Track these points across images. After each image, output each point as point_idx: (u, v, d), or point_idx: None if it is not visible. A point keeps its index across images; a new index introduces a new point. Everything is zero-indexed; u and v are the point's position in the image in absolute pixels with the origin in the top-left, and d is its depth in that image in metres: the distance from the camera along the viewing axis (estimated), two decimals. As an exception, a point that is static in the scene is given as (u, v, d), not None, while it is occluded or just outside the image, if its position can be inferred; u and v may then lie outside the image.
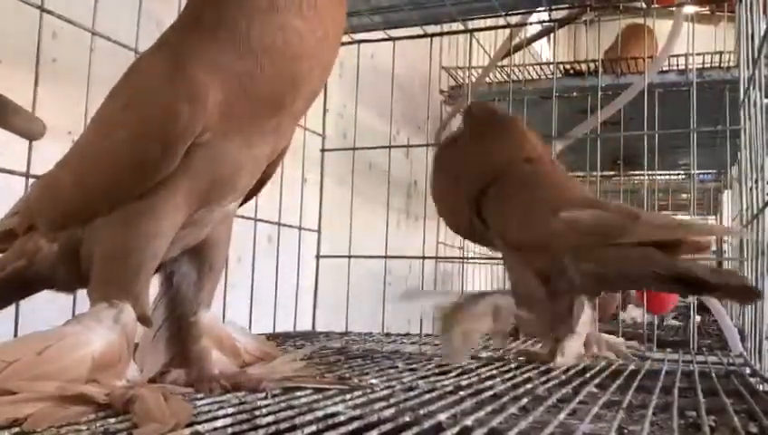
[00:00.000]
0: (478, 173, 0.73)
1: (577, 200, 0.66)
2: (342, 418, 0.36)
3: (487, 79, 1.50)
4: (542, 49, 2.66)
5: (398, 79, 1.19)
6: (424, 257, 1.24)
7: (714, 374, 0.59)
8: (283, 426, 0.34)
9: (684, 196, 2.39)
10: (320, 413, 0.37)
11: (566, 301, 0.65)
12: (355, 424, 0.35)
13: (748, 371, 0.62)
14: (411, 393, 0.45)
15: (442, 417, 0.37)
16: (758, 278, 0.75)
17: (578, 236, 0.61)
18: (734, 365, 0.68)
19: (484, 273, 1.88)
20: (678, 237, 0.59)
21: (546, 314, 0.64)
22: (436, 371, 0.57)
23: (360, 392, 0.44)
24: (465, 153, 0.76)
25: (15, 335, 0.59)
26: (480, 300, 0.63)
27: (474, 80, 1.47)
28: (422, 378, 0.52)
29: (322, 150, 1.11)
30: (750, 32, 0.86)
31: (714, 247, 2.24)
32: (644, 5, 1.37)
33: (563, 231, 0.62)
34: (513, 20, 1.09)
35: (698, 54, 1.30)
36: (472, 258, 1.59)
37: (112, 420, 0.34)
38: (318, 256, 1.07)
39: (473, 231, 0.74)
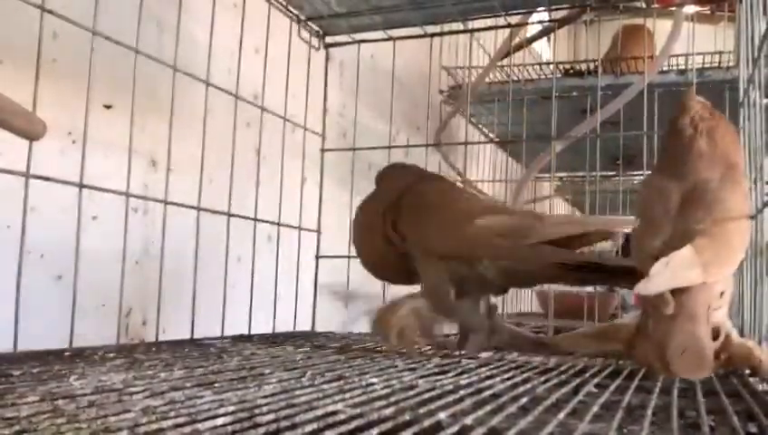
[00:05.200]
0: (391, 187, 0.80)
1: (487, 208, 0.74)
2: (342, 416, 0.36)
3: (487, 79, 1.50)
4: (542, 49, 2.66)
5: (398, 79, 1.19)
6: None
7: (713, 375, 0.59)
8: (283, 424, 0.34)
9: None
10: (320, 411, 0.37)
11: (475, 300, 0.73)
12: (355, 423, 0.35)
13: (748, 371, 0.62)
14: (411, 392, 0.45)
15: (442, 416, 0.37)
16: (758, 278, 0.75)
17: (493, 240, 0.68)
18: (733, 365, 0.68)
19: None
20: (577, 232, 0.68)
21: (457, 316, 0.72)
22: (436, 370, 0.57)
23: (359, 391, 0.44)
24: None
25: (16, 330, 0.60)
26: (402, 304, 0.70)
27: (474, 80, 1.47)
28: (422, 377, 0.52)
29: (322, 150, 1.12)
30: (750, 32, 0.86)
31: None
32: (644, 5, 1.38)
33: (480, 236, 0.69)
34: (513, 20, 1.09)
35: (698, 54, 1.30)
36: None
37: (112, 419, 0.34)
38: (318, 256, 1.07)
39: (387, 250, 0.77)
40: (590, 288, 1.59)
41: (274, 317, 0.96)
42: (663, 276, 0.53)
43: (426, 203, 0.77)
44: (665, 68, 1.38)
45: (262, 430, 0.33)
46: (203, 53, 0.85)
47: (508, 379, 0.53)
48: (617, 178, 2.00)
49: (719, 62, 1.36)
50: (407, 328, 0.70)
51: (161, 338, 0.78)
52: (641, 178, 1.65)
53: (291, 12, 1.04)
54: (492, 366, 0.61)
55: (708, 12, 1.64)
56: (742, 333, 0.79)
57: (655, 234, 0.61)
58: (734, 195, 0.62)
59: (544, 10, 1.08)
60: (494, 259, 0.69)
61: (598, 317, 1.14)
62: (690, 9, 1.46)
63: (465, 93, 1.45)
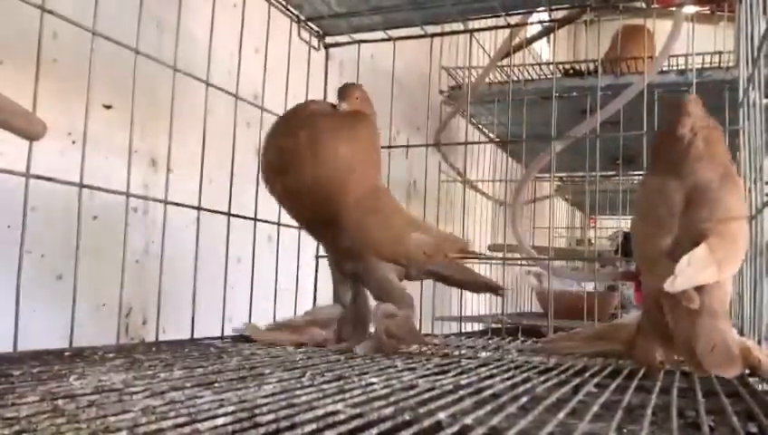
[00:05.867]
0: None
1: (412, 222, 0.86)
2: (342, 416, 0.36)
3: (487, 79, 1.50)
4: (542, 49, 2.66)
5: (397, 79, 1.19)
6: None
7: (713, 374, 0.60)
8: (283, 424, 0.34)
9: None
10: (320, 411, 0.37)
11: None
12: (354, 423, 0.35)
13: (747, 370, 0.62)
14: (411, 392, 0.45)
15: (442, 416, 0.37)
16: (758, 278, 0.75)
17: (420, 255, 0.82)
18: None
19: (481, 272, 1.88)
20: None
21: (412, 310, 0.79)
22: (436, 370, 0.57)
23: (359, 391, 0.44)
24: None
25: (16, 330, 0.60)
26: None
27: (474, 80, 1.47)
28: (422, 377, 0.52)
29: (322, 150, 1.11)
30: (750, 32, 0.86)
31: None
32: (644, 5, 1.38)
33: (414, 250, 0.82)
34: (513, 20, 1.09)
35: (698, 54, 1.30)
36: (470, 258, 1.59)
37: (112, 419, 0.34)
38: (318, 256, 1.07)
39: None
40: (590, 288, 1.59)
41: (274, 317, 0.96)
42: (687, 274, 0.55)
43: (380, 207, 0.82)
44: (665, 68, 1.38)
45: (262, 430, 0.33)
46: (203, 53, 0.85)
47: (508, 379, 0.53)
48: (617, 178, 2.00)
49: (719, 63, 1.36)
50: (391, 325, 0.75)
51: (161, 338, 0.78)
52: (641, 177, 1.65)
53: (290, 12, 1.04)
54: (492, 366, 0.61)
55: (708, 12, 1.64)
56: (742, 333, 0.79)
57: (662, 233, 0.62)
58: (734, 195, 0.64)
59: (544, 10, 1.08)
60: (420, 270, 0.84)
61: (598, 317, 1.14)
62: (690, 9, 1.46)
63: (466, 94, 1.45)
